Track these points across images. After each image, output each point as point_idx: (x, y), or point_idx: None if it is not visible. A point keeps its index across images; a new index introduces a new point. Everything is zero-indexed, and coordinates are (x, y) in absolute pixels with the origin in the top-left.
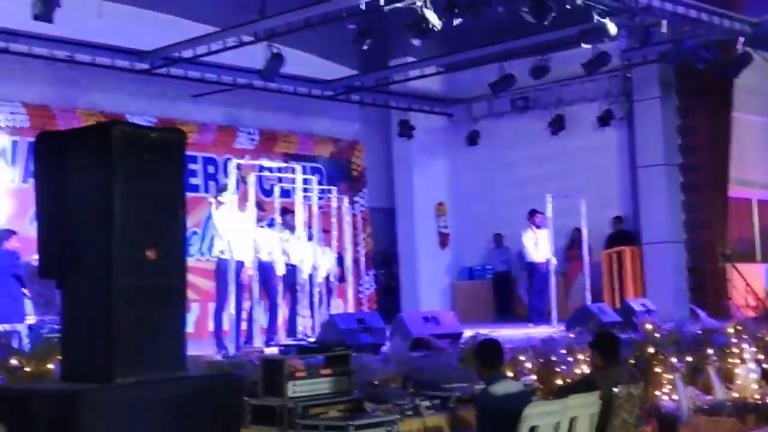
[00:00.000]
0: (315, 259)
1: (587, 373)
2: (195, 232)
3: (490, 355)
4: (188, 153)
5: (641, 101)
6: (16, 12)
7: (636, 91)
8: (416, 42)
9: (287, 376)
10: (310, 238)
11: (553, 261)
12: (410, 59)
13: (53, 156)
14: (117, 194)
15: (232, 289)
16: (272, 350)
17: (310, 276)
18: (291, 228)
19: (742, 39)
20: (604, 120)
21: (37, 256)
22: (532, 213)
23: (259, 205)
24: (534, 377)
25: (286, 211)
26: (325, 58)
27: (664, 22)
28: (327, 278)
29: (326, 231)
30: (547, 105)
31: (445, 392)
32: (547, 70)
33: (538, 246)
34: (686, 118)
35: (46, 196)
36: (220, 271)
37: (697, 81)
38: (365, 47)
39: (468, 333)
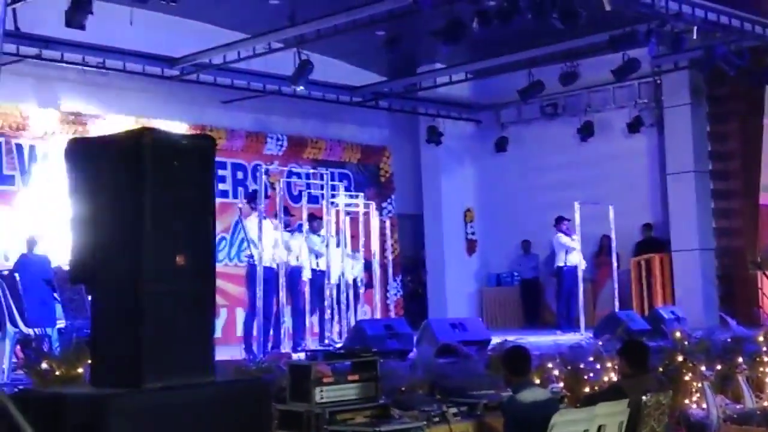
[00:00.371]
0: (343, 265)
1: (615, 380)
2: (224, 238)
3: (517, 362)
4: (217, 159)
5: (671, 108)
6: (48, 19)
7: (666, 98)
8: (446, 48)
9: (314, 381)
10: (338, 244)
11: (583, 264)
12: (439, 66)
13: (84, 162)
14: (147, 200)
15: (260, 294)
16: (300, 356)
17: (338, 282)
18: (318, 234)
19: None
20: (634, 126)
21: (67, 261)
22: (559, 220)
23: (287, 211)
24: (561, 385)
25: (314, 217)
26: (354, 64)
27: (695, 29)
28: (355, 284)
29: (354, 237)
30: (576, 111)
31: (473, 399)
32: (577, 77)
33: (569, 251)
34: (717, 124)
35: (78, 201)
36: (251, 277)
37: (728, 87)
38: (393, 54)
39: (495, 340)
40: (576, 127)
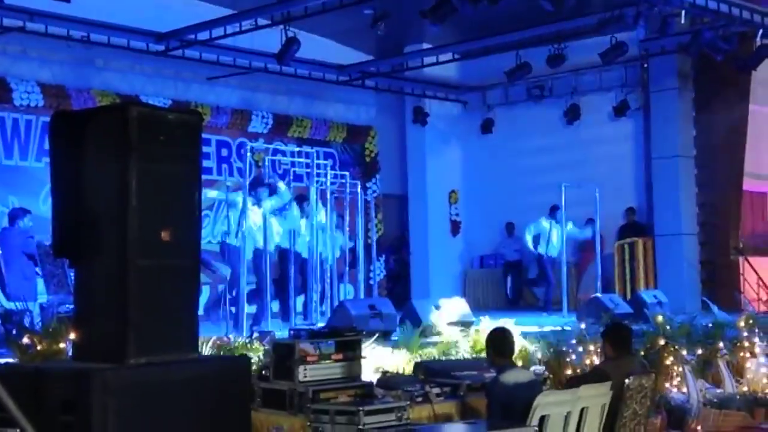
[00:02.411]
0: (327, 245)
1: (599, 363)
2: (207, 215)
3: (501, 343)
4: (202, 135)
5: (658, 92)
6: None
7: (653, 82)
8: (433, 28)
9: (298, 360)
10: (322, 224)
11: (564, 256)
12: (426, 46)
13: (69, 135)
14: (132, 174)
15: (244, 272)
16: (283, 334)
17: (322, 261)
18: (305, 214)
19: (761, 31)
20: (620, 110)
21: (49, 235)
22: (554, 209)
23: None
24: (544, 367)
25: (303, 198)
26: (341, 43)
27: (683, 13)
28: (338, 264)
29: (339, 216)
30: (563, 94)
31: (456, 380)
32: (564, 59)
33: (551, 239)
34: (703, 110)
35: (61, 175)
36: (235, 257)
37: (714, 73)
38: (381, 33)
39: (479, 321)
40: (562, 110)
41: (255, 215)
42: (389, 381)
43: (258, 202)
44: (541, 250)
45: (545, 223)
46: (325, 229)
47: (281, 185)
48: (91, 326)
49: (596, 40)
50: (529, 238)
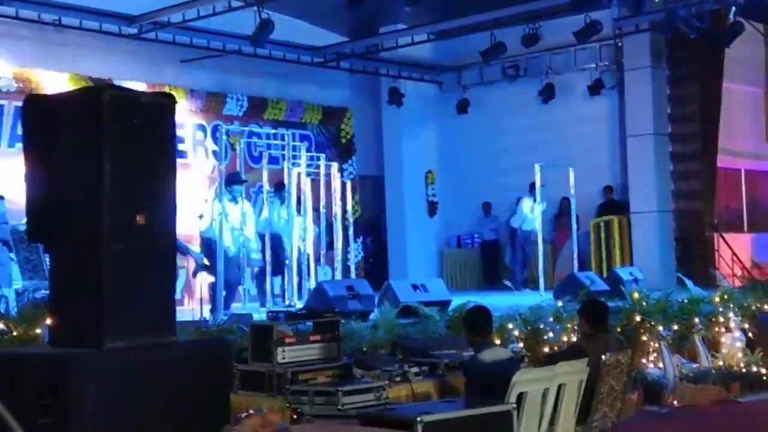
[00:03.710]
0: (303, 227)
1: (575, 340)
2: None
3: (479, 322)
4: (176, 119)
5: (632, 70)
6: None
7: (627, 60)
8: (408, 8)
9: (276, 342)
10: (298, 206)
11: (539, 233)
12: (401, 26)
13: (42, 119)
14: (106, 158)
15: (221, 255)
16: (261, 316)
17: (298, 244)
18: (282, 199)
19: (734, 9)
20: (595, 89)
21: (24, 221)
22: (532, 186)
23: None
24: (521, 345)
25: (281, 187)
26: (315, 24)
27: None
28: (315, 246)
29: (315, 198)
30: (538, 73)
31: (434, 359)
32: (538, 38)
33: (531, 216)
34: (677, 87)
35: (35, 159)
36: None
37: (688, 50)
38: (355, 14)
39: (456, 301)
40: (537, 89)
41: (234, 212)
42: (367, 361)
43: (234, 200)
44: (514, 225)
45: (526, 201)
46: (301, 212)
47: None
48: (67, 311)
49: (571, 19)
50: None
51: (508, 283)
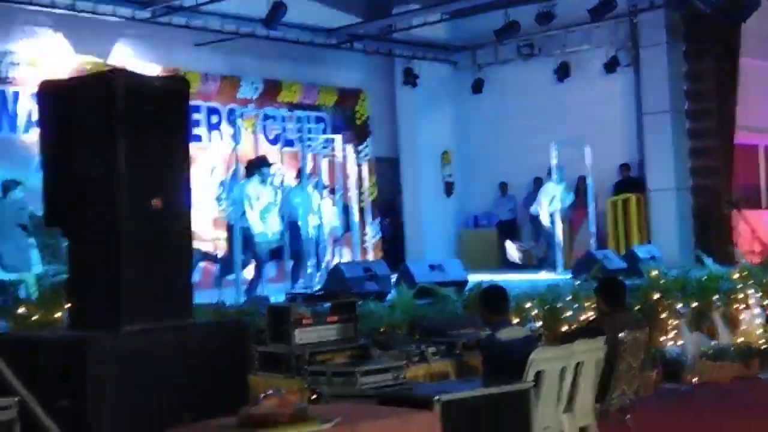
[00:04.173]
0: (320, 209)
1: (593, 318)
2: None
3: (495, 301)
4: (191, 102)
5: (648, 47)
6: None
7: (642, 37)
8: None
9: (294, 323)
10: (315, 188)
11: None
12: (414, 6)
13: (57, 105)
14: (121, 142)
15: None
16: (279, 299)
17: (316, 226)
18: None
19: None
20: (611, 66)
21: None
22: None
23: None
24: (539, 324)
25: (299, 172)
26: (329, 5)
27: None
28: (332, 228)
29: (331, 180)
30: (553, 52)
31: (451, 338)
32: (553, 17)
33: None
34: (693, 64)
35: (51, 145)
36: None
37: (704, 26)
38: None
39: (473, 280)
40: (552, 68)
41: (265, 194)
42: (385, 341)
43: (263, 182)
44: (535, 212)
45: (550, 186)
46: (318, 194)
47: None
48: (85, 295)
49: None
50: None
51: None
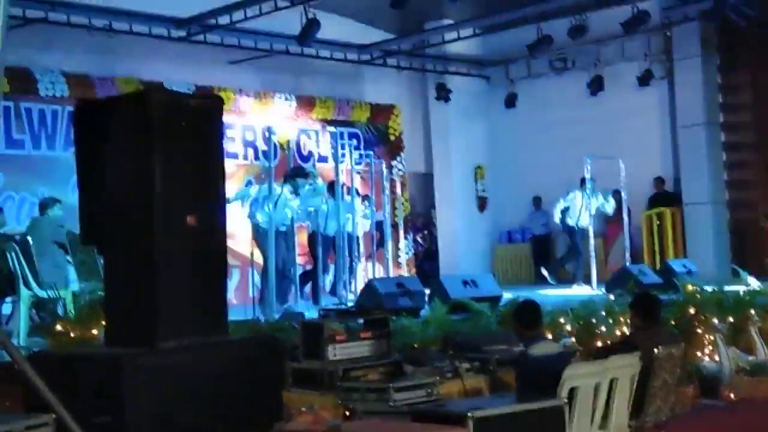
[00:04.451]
0: (354, 225)
1: (627, 334)
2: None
3: (528, 316)
4: (226, 119)
5: (682, 60)
6: None
7: (676, 50)
8: (453, 3)
9: (327, 339)
10: (349, 204)
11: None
12: (447, 22)
13: (93, 124)
14: (156, 160)
15: (272, 255)
16: (313, 315)
17: (350, 241)
18: (332, 194)
19: None
20: (644, 80)
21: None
22: (583, 181)
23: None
24: (573, 339)
25: (332, 183)
26: (362, 22)
27: None
28: (366, 243)
29: (365, 196)
30: (586, 65)
31: (485, 354)
32: (586, 30)
33: (581, 212)
34: (728, 76)
35: (87, 163)
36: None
37: (739, 38)
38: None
39: (507, 296)
40: (586, 82)
41: (292, 203)
42: (418, 357)
43: (295, 192)
44: (571, 222)
45: (578, 195)
46: (352, 210)
47: (319, 180)
48: (121, 312)
49: (618, 10)
50: (557, 212)
51: (545, 273)
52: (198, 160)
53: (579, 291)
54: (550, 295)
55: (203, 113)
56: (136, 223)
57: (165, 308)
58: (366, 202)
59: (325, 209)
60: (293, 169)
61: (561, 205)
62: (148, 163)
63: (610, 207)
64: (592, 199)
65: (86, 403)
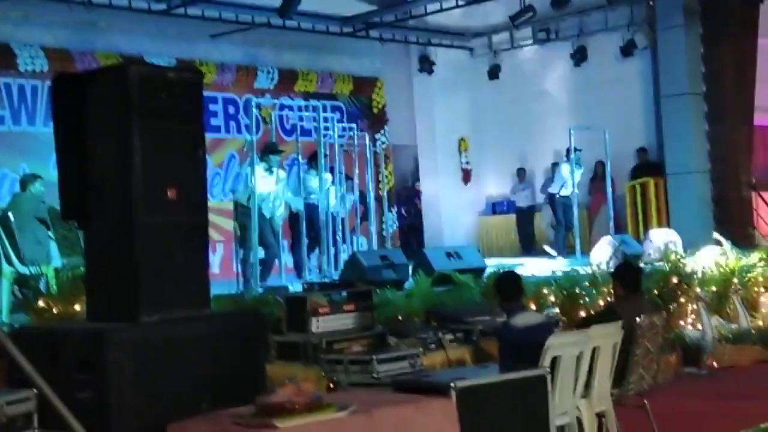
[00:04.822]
0: (337, 198)
1: (609, 303)
2: (217, 173)
3: (509, 286)
4: (208, 93)
5: (665, 30)
6: None
7: (659, 20)
8: None
9: (310, 312)
10: (332, 177)
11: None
12: None
13: (71, 98)
14: (135, 134)
15: (255, 229)
16: (297, 289)
17: (333, 215)
18: (315, 170)
19: None
20: (627, 50)
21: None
22: (569, 152)
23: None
24: (557, 309)
25: (313, 157)
26: None
27: None
28: (350, 217)
29: (348, 169)
30: (569, 36)
31: (468, 325)
32: (568, 0)
33: (568, 181)
34: (710, 45)
35: (65, 138)
36: (249, 216)
37: (721, 7)
38: None
39: (491, 267)
40: (569, 52)
41: (268, 182)
42: (402, 329)
43: (269, 169)
44: (554, 190)
45: (563, 167)
46: (335, 184)
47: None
48: (103, 287)
49: None
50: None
51: (549, 249)
52: (178, 134)
53: (563, 261)
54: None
55: (182, 86)
56: (116, 197)
57: (146, 282)
58: (350, 183)
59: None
60: (266, 146)
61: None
62: (127, 136)
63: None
64: (576, 170)
65: (69, 378)
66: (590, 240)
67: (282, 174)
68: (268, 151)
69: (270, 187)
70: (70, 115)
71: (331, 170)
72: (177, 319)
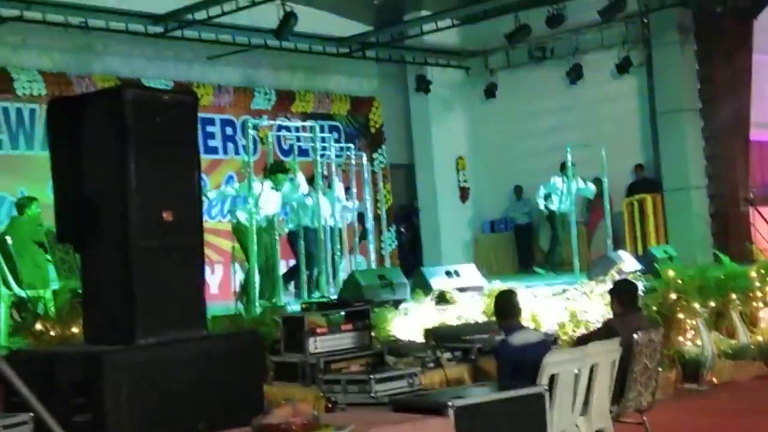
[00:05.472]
0: (335, 217)
1: (606, 320)
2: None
3: (506, 305)
4: (206, 115)
5: (660, 47)
6: None
7: (654, 37)
8: None
9: (308, 332)
10: (330, 197)
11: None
12: (425, 13)
13: (66, 121)
14: (130, 157)
15: (253, 250)
16: (294, 308)
17: (332, 234)
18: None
19: None
20: (623, 67)
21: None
22: (564, 166)
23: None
24: (555, 327)
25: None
26: (339, 14)
27: None
28: (349, 236)
29: (346, 188)
30: (565, 54)
31: (466, 344)
32: (563, 19)
33: (562, 197)
34: (705, 62)
35: (61, 161)
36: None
37: (715, 24)
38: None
39: (489, 286)
40: (565, 70)
41: (273, 200)
42: (400, 348)
43: (276, 188)
44: (552, 206)
45: (557, 180)
46: (333, 203)
47: (299, 175)
48: (100, 309)
49: None
50: (540, 199)
51: (538, 269)
52: (173, 156)
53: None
54: (534, 283)
55: (178, 109)
56: (112, 220)
57: (143, 305)
58: (347, 195)
59: (311, 203)
60: (273, 164)
61: (543, 191)
62: (123, 159)
63: (590, 192)
64: (572, 183)
65: (66, 402)
66: (589, 257)
67: (305, 187)
68: (276, 170)
69: (276, 204)
70: (66, 138)
71: (346, 190)
72: (174, 341)
